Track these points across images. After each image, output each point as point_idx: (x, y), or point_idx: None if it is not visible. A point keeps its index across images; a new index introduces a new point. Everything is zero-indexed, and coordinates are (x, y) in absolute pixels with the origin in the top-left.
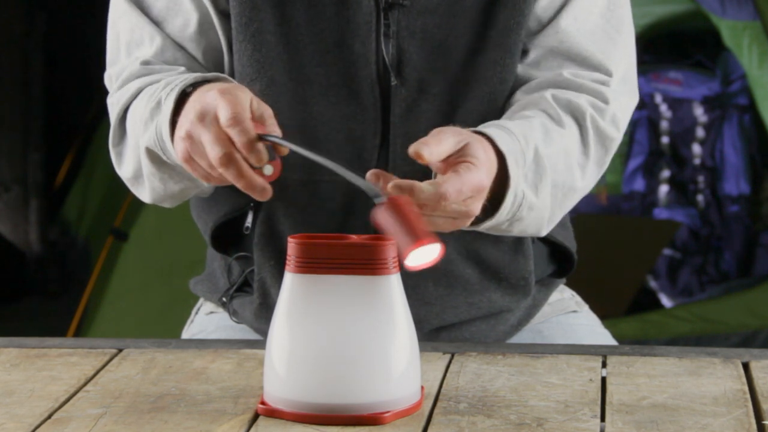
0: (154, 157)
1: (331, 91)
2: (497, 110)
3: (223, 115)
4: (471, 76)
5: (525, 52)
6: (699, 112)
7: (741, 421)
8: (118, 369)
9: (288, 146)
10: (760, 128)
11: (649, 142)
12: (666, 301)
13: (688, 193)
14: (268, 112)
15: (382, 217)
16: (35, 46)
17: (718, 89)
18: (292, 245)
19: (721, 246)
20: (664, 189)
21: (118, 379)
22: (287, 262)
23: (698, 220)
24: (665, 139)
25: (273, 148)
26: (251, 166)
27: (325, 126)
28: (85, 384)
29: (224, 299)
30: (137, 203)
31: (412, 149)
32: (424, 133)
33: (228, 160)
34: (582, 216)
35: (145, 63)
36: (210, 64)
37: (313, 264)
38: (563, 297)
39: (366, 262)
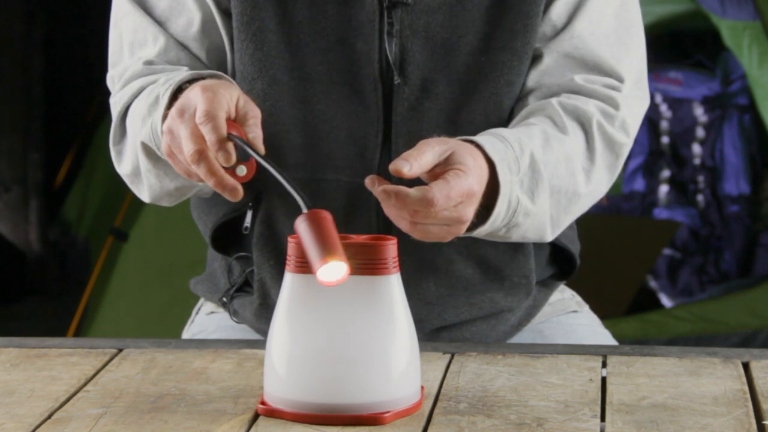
0: (149, 152)
1: (333, 90)
2: (502, 112)
3: (198, 111)
4: (475, 76)
5: (539, 58)
6: (699, 112)
7: (741, 421)
8: (118, 369)
9: (251, 153)
10: (760, 128)
11: (649, 142)
12: (666, 301)
13: (688, 193)
14: (253, 112)
15: (300, 227)
16: (35, 46)
17: (718, 89)
18: (292, 245)
19: (721, 246)
20: (664, 189)
21: (118, 379)
22: (287, 262)
23: (698, 220)
24: (665, 139)
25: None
26: (224, 165)
27: (326, 124)
28: (85, 384)
29: (224, 299)
30: (137, 203)
31: (391, 167)
32: (427, 132)
33: (199, 156)
34: (582, 216)
35: (148, 63)
36: (213, 64)
37: None
38: (563, 297)
39: (366, 262)
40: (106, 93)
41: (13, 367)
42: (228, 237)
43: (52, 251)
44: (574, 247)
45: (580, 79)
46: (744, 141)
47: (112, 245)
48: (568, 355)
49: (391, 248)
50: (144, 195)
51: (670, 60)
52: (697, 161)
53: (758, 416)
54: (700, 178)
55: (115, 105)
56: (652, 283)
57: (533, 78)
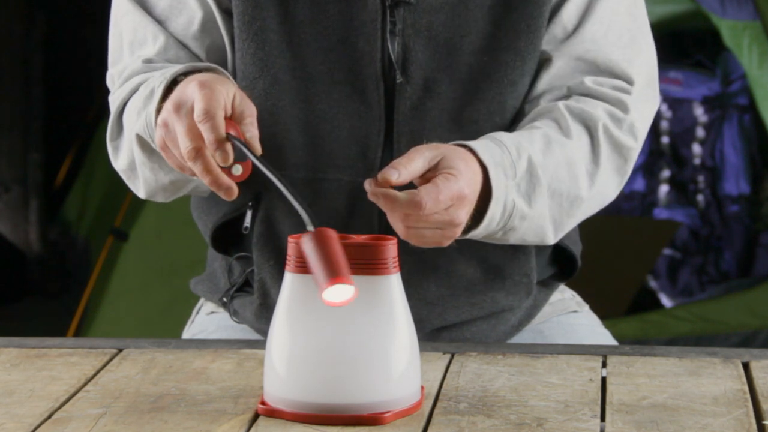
0: (144, 145)
1: (335, 89)
2: (506, 112)
3: (197, 109)
4: (478, 76)
5: (549, 61)
6: (699, 112)
7: (741, 421)
8: (118, 369)
9: (250, 157)
10: (760, 128)
11: (649, 142)
12: (666, 301)
13: (688, 193)
14: (249, 110)
15: (306, 246)
16: (35, 46)
17: (718, 89)
18: (292, 245)
19: (721, 246)
20: (664, 189)
21: (118, 379)
22: (287, 261)
23: (698, 220)
24: (665, 139)
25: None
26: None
27: (328, 124)
28: (85, 384)
29: (225, 299)
30: (137, 203)
31: (380, 176)
32: (429, 131)
33: (196, 154)
34: None
35: (147, 61)
36: (213, 63)
37: None
38: (564, 297)
39: (366, 262)
40: (106, 93)
41: (13, 367)
42: (228, 237)
43: (52, 251)
44: (576, 248)
45: (589, 81)
46: (744, 141)
47: (112, 245)
48: (568, 355)
49: (391, 248)
50: (140, 190)
51: (670, 60)
52: (697, 161)
53: (758, 416)
54: (700, 178)
55: (113, 102)
56: (652, 283)
57: (545, 81)
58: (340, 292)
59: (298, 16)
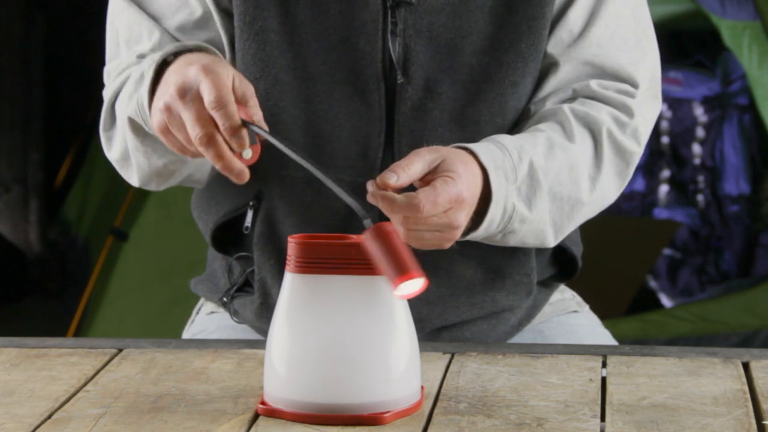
0: (136, 128)
1: (336, 89)
2: (507, 113)
3: (207, 97)
4: (479, 77)
5: (555, 65)
6: (699, 112)
7: (741, 421)
8: (118, 369)
9: (273, 142)
10: (760, 128)
11: (649, 141)
12: (666, 301)
13: (688, 193)
14: (250, 91)
15: (369, 243)
16: (35, 46)
17: (718, 89)
18: (291, 245)
19: (721, 246)
20: (664, 189)
21: (118, 379)
22: (287, 261)
23: (698, 220)
24: (665, 139)
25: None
26: (230, 149)
27: (329, 124)
28: (85, 384)
29: (225, 299)
30: (137, 203)
31: (378, 179)
32: (430, 132)
33: (209, 140)
34: None
35: (142, 56)
36: None
37: (313, 264)
38: (564, 297)
39: (366, 262)
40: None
41: (13, 367)
42: (228, 237)
43: (52, 251)
44: (577, 249)
45: (595, 84)
46: (744, 141)
47: (112, 245)
48: (568, 355)
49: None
50: (133, 178)
51: (670, 60)
52: (697, 161)
53: (758, 416)
54: (700, 178)
55: (107, 94)
56: (652, 283)
57: (552, 84)
58: (411, 285)
59: (299, 17)
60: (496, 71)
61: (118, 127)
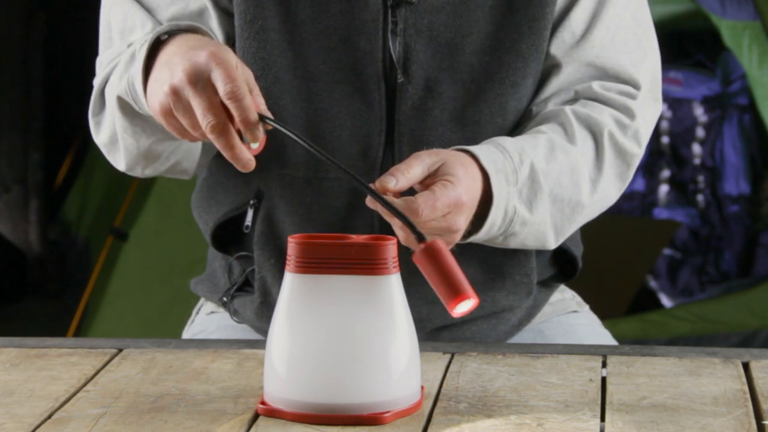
0: (125, 107)
1: (336, 88)
2: (507, 113)
3: (223, 87)
4: (480, 77)
5: (557, 67)
6: (699, 112)
7: (741, 421)
8: (118, 369)
9: (293, 136)
10: (760, 128)
11: (649, 141)
12: (666, 301)
13: (688, 193)
14: (251, 78)
15: (420, 262)
16: (35, 46)
17: (718, 89)
18: (291, 245)
19: (721, 246)
20: (664, 189)
21: (118, 379)
22: (287, 261)
23: (698, 220)
24: (665, 139)
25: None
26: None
27: (330, 123)
28: (85, 384)
29: (225, 299)
30: (137, 203)
31: (377, 183)
32: (430, 131)
33: (222, 130)
34: None
35: (131, 45)
36: None
37: (313, 264)
38: (564, 297)
39: (366, 262)
40: None
41: (13, 367)
42: (228, 236)
43: (52, 251)
44: (577, 249)
45: (597, 86)
46: (744, 141)
47: (112, 245)
48: (568, 355)
49: (391, 248)
50: (120, 162)
51: (670, 60)
52: (697, 161)
53: (758, 416)
54: (700, 178)
55: (97, 80)
56: (652, 283)
57: (554, 85)
58: (464, 306)
59: (300, 16)
60: (497, 71)
61: (107, 111)
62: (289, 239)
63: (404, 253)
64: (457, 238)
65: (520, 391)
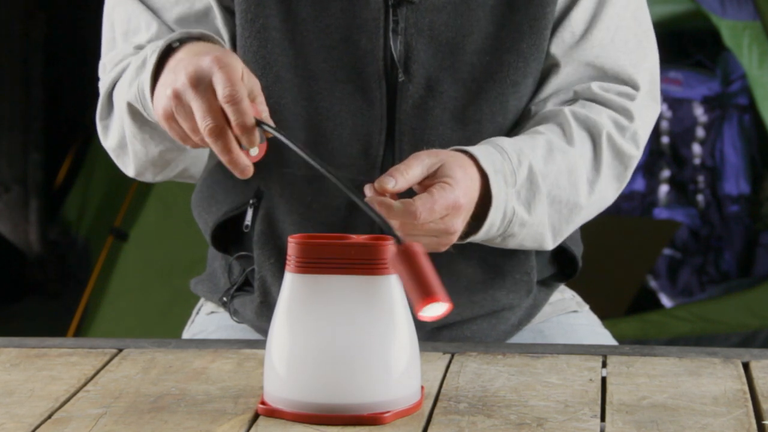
0: (135, 114)
1: (337, 87)
2: (508, 112)
3: (222, 90)
4: (480, 76)
5: (557, 66)
6: (699, 112)
7: (741, 421)
8: (118, 369)
9: (290, 144)
10: (760, 128)
11: (649, 141)
12: (666, 301)
13: (688, 193)
14: (257, 86)
15: (395, 263)
16: (35, 46)
17: (718, 89)
18: (291, 245)
19: (721, 246)
20: (664, 189)
21: (118, 379)
22: (287, 261)
23: (698, 220)
24: (665, 139)
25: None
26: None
27: (330, 122)
28: (85, 384)
29: (225, 299)
30: (137, 203)
31: (376, 184)
32: (431, 130)
33: (219, 133)
34: None
35: (139, 47)
36: None
37: (313, 264)
38: (564, 297)
39: (366, 262)
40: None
41: (13, 367)
42: (228, 236)
43: (52, 251)
44: (577, 248)
45: (596, 87)
46: (744, 141)
47: (112, 245)
48: (568, 355)
49: (391, 248)
50: (129, 168)
51: (670, 60)
52: (697, 161)
53: (758, 416)
54: (700, 178)
55: (103, 85)
56: (652, 283)
57: (553, 85)
58: (434, 309)
59: (301, 14)
60: (498, 70)
61: (116, 115)
62: (289, 239)
63: None
64: (454, 239)
65: (520, 391)
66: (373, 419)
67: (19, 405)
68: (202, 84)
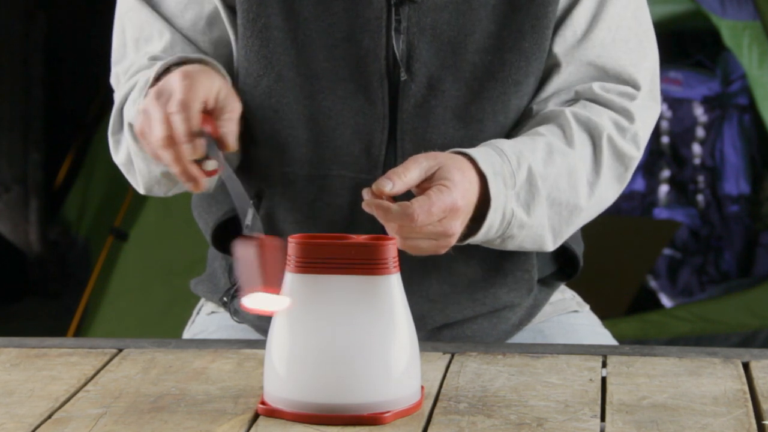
0: (135, 135)
1: (339, 86)
2: (510, 111)
3: (174, 99)
4: (482, 75)
5: (558, 66)
6: (699, 112)
7: (741, 421)
8: (118, 369)
9: (219, 159)
10: (760, 128)
11: (649, 141)
12: (666, 301)
13: (688, 193)
14: (231, 106)
15: (243, 250)
16: (35, 46)
17: (718, 89)
18: (292, 245)
19: (721, 246)
20: (664, 189)
21: (118, 379)
22: (287, 261)
23: (698, 220)
24: (665, 139)
25: (218, 145)
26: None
27: (332, 121)
28: (85, 384)
29: (225, 299)
30: (137, 203)
31: (374, 186)
32: (433, 129)
33: (169, 142)
34: None
35: (154, 59)
36: (221, 59)
37: (313, 264)
38: (564, 297)
39: (366, 262)
40: (107, 92)
41: (13, 367)
42: (229, 236)
43: (52, 251)
44: (578, 247)
45: (597, 87)
46: (744, 141)
47: (112, 245)
48: (568, 355)
49: (391, 248)
50: (139, 185)
51: (670, 60)
52: (697, 161)
53: (758, 416)
54: (700, 178)
55: (117, 97)
56: (652, 283)
57: (555, 84)
58: (266, 302)
59: (303, 13)
60: (499, 69)
61: (125, 132)
62: (289, 239)
63: (404, 252)
64: (452, 242)
65: (520, 391)
66: (373, 419)
67: (19, 405)
68: (162, 96)
